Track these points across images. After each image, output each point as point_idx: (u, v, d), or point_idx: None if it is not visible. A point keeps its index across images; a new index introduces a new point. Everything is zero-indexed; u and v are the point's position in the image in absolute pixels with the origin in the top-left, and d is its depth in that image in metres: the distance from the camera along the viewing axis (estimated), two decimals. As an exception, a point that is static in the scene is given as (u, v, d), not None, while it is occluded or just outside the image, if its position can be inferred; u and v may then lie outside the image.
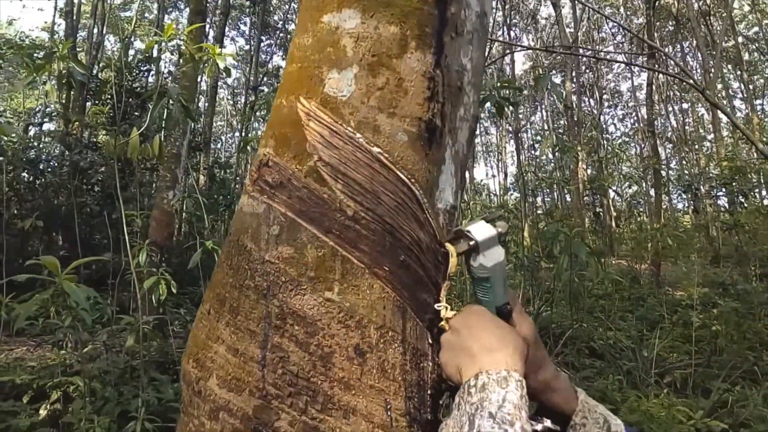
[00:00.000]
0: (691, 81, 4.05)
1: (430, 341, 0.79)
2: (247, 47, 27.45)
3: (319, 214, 0.73)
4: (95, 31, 17.96)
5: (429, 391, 0.78)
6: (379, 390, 0.72)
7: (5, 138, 9.10)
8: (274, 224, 0.75)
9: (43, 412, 4.30)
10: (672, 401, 5.37)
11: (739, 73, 28.77)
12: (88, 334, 4.96)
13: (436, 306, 0.80)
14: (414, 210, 0.77)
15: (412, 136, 0.77)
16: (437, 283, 0.82)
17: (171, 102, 5.18)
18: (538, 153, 31.93)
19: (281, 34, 25.95)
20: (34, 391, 4.80)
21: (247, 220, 0.78)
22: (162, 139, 5.12)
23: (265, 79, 24.30)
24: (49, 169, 11.23)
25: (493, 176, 46.54)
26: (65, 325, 4.23)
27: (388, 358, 0.73)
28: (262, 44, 24.86)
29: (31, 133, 13.78)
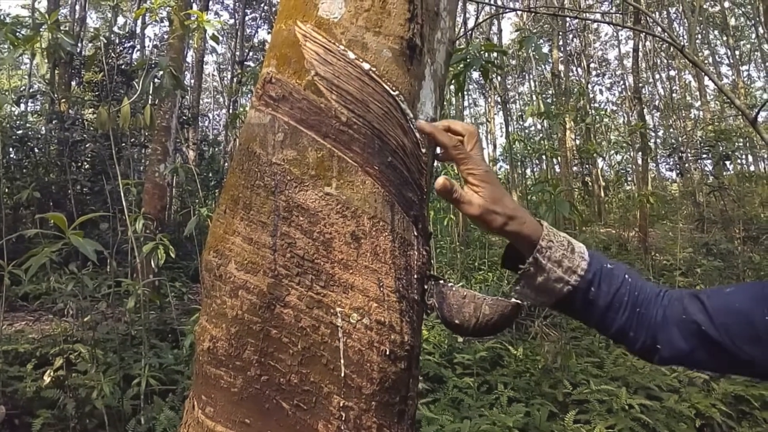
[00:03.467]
0: (670, 39, 4.15)
1: (415, 233, 0.92)
2: (231, 21, 27.12)
3: (318, 122, 0.86)
4: (77, 7, 17.74)
5: (415, 276, 0.91)
6: (373, 270, 0.85)
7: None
8: (279, 132, 0.87)
9: (47, 378, 4.41)
10: (656, 356, 5.59)
11: (725, 38, 28.82)
12: (89, 303, 5.07)
13: None
14: (399, 118, 0.89)
15: (396, 52, 0.89)
16: (420, 185, 0.94)
17: (159, 74, 5.23)
18: (526, 124, 32.03)
19: (266, 7, 25.68)
20: (37, 359, 4.92)
21: (255, 130, 0.90)
22: (152, 110, 5.17)
23: (251, 53, 24.11)
24: (38, 147, 11.22)
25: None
26: (67, 292, 4.34)
27: (380, 243, 0.86)
28: (246, 18, 24.62)
29: (17, 112, 13.70)
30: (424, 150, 0.95)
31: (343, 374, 0.82)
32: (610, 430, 3.89)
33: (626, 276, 0.91)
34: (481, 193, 0.88)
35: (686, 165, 18.68)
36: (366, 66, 0.87)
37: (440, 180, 0.88)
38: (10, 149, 10.53)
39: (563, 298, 0.91)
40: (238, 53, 23.34)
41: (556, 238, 0.90)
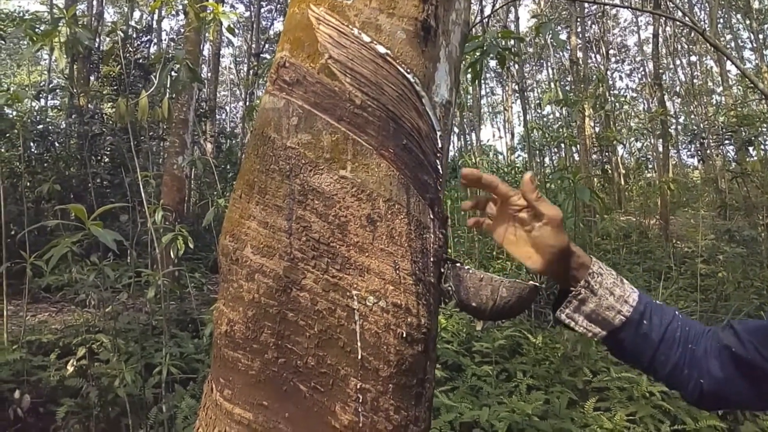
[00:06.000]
0: (691, 23, 4.08)
1: (431, 216, 0.92)
2: (247, 14, 27.12)
3: (332, 105, 0.85)
4: (94, 2, 17.87)
5: (432, 259, 0.91)
6: (389, 253, 0.85)
7: (14, 112, 9.22)
8: (293, 116, 0.87)
9: (70, 368, 4.47)
10: (678, 344, 5.53)
11: (748, 22, 28.18)
12: (110, 294, 5.15)
13: None
14: (413, 101, 0.89)
15: (410, 34, 0.88)
16: (436, 168, 0.94)
17: (176, 67, 5.25)
18: (544, 112, 31.72)
19: (281, -1, 25.62)
20: (61, 349, 5.00)
21: (269, 115, 0.90)
22: (170, 103, 5.20)
23: (267, 45, 24.09)
24: (59, 141, 11.36)
25: (500, 137, 46.40)
26: (88, 283, 4.40)
27: (395, 226, 0.86)
28: (262, 10, 24.60)
29: (37, 107, 13.87)
30: (439, 133, 0.94)
31: (359, 357, 0.82)
32: (631, 417, 3.86)
33: (676, 312, 0.91)
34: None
35: (708, 151, 18.41)
36: (381, 49, 0.86)
37: (529, 173, 0.89)
38: (31, 143, 10.66)
39: (615, 330, 0.90)
40: (254, 46, 23.35)
41: (605, 267, 0.92)
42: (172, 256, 4.62)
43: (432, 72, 0.92)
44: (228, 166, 15.58)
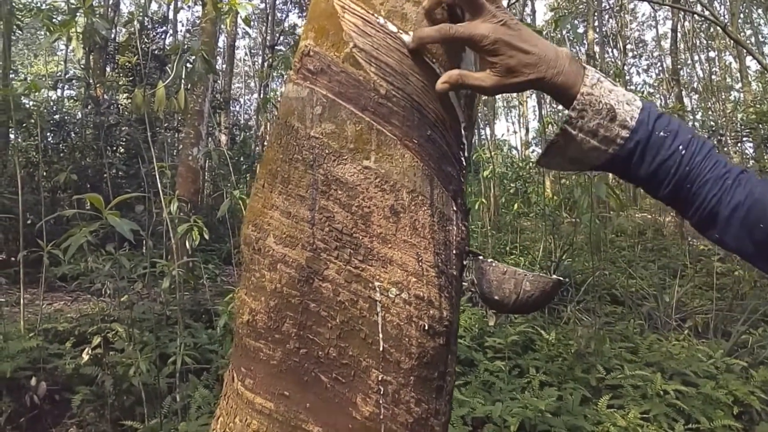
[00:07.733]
0: (711, 17, 4.01)
1: (454, 208, 0.91)
2: (262, 6, 27.13)
3: (356, 94, 0.84)
4: (112, -7, 17.96)
5: (454, 251, 0.90)
6: (412, 244, 0.84)
7: (31, 102, 9.30)
8: (317, 105, 0.86)
9: (86, 356, 4.52)
10: (692, 343, 5.50)
11: (768, 17, 27.75)
12: (125, 284, 5.19)
13: None
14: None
15: (436, 23, 0.87)
16: (460, 159, 0.93)
17: (192, 59, 5.27)
18: (560, 107, 31.46)
19: (296, -9, 25.59)
20: (76, 337, 5.06)
21: (293, 104, 0.89)
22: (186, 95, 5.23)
23: (281, 38, 24.11)
24: (75, 132, 11.46)
25: (515, 132, 46.18)
26: (104, 272, 4.44)
27: (419, 218, 0.85)
28: (277, 2, 24.61)
29: (54, 96, 13.99)
30: (463, 124, 0.93)
31: (381, 348, 0.82)
32: (645, 415, 3.84)
33: (680, 147, 0.79)
34: (498, 61, 0.79)
35: (726, 148, 18.18)
36: (407, 38, 0.85)
37: (439, 84, 0.82)
38: (48, 133, 10.78)
39: (600, 165, 0.83)
40: (268, 38, 23.37)
41: (592, 106, 0.79)
42: (187, 246, 4.65)
43: (458, 62, 0.91)
44: (242, 158, 15.65)
